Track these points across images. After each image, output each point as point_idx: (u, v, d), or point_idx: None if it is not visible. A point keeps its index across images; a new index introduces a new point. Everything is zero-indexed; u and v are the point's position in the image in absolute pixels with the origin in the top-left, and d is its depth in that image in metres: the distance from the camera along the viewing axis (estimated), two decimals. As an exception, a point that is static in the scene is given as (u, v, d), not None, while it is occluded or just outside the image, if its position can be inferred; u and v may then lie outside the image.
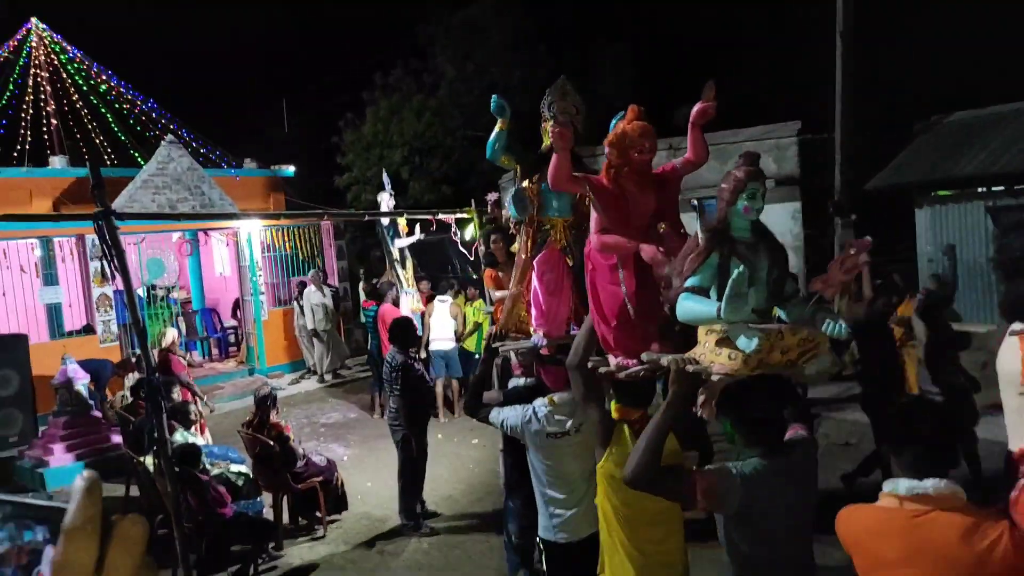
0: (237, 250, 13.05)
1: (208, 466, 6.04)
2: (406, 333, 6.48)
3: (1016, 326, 2.39)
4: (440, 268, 13.24)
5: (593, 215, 2.92)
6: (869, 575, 2.22)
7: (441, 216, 8.58)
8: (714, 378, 2.45)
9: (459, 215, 8.26)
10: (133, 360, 9.52)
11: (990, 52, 14.23)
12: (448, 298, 9.59)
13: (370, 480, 7.49)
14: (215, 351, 14.04)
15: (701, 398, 2.52)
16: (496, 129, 3.62)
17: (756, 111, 13.61)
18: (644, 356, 2.76)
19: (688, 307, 2.44)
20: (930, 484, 2.12)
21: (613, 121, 3.20)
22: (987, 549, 2.01)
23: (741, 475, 2.39)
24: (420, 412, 6.33)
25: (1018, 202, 9.93)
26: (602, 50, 18.82)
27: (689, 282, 2.46)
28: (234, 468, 6.45)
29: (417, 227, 10.17)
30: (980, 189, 10.16)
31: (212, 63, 23.97)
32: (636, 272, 2.82)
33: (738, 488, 2.37)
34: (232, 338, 14.22)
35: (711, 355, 2.45)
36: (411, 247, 10.41)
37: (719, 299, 2.31)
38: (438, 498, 6.80)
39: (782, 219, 12.35)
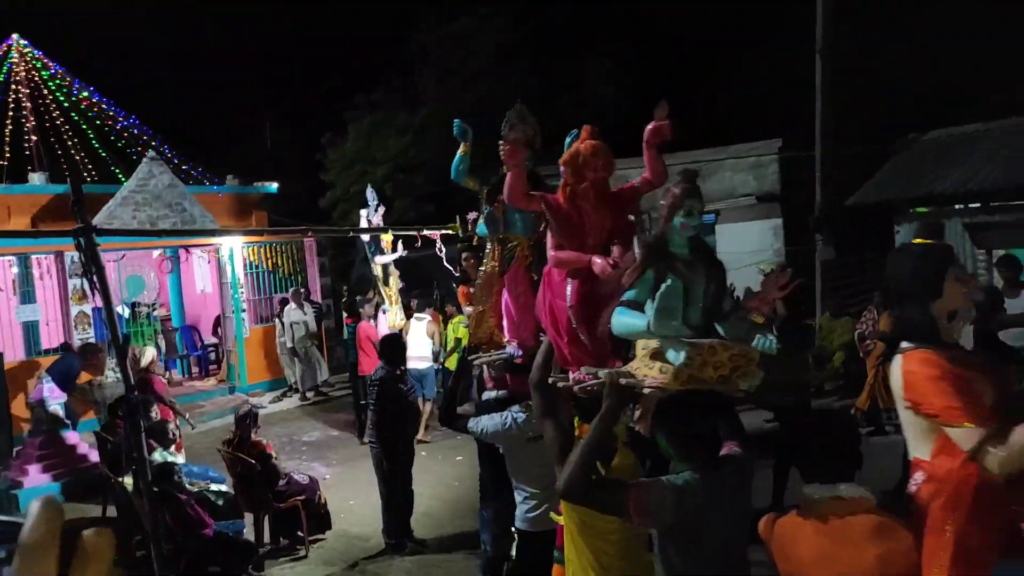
0: (219, 267, 12.95)
1: (187, 485, 5.95)
2: (392, 349, 6.51)
3: (904, 345, 2.49)
4: (424, 285, 13.21)
5: (550, 232, 2.97)
6: None
7: (426, 232, 8.56)
8: (646, 391, 2.49)
9: (445, 231, 8.25)
10: (100, 344, 9.31)
11: (965, 72, 14.52)
12: (425, 316, 9.52)
13: (353, 499, 7.41)
14: (195, 369, 13.89)
15: (638, 412, 2.57)
16: (459, 152, 3.73)
17: (740, 129, 13.78)
18: (583, 370, 2.79)
19: (622, 321, 2.50)
20: (842, 488, 2.31)
21: (568, 140, 3.24)
22: (889, 551, 2.21)
23: (674, 489, 2.41)
24: (397, 429, 6.29)
25: (994, 219, 10.09)
26: (594, 63, 18.97)
27: (625, 296, 2.51)
28: (214, 487, 6.36)
29: (399, 243, 10.14)
30: (957, 206, 10.32)
31: (195, 79, 23.90)
32: (584, 286, 2.85)
33: (671, 502, 2.40)
34: (212, 356, 14.08)
35: (644, 369, 2.50)
36: (397, 263, 10.36)
37: None
38: (420, 515, 6.73)
39: (763, 235, 12.49)
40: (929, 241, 2.60)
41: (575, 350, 2.98)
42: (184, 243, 12.73)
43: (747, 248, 12.24)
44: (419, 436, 9.26)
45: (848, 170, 11.72)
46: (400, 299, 10.40)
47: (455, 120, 3.71)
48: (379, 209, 10.46)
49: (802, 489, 2.42)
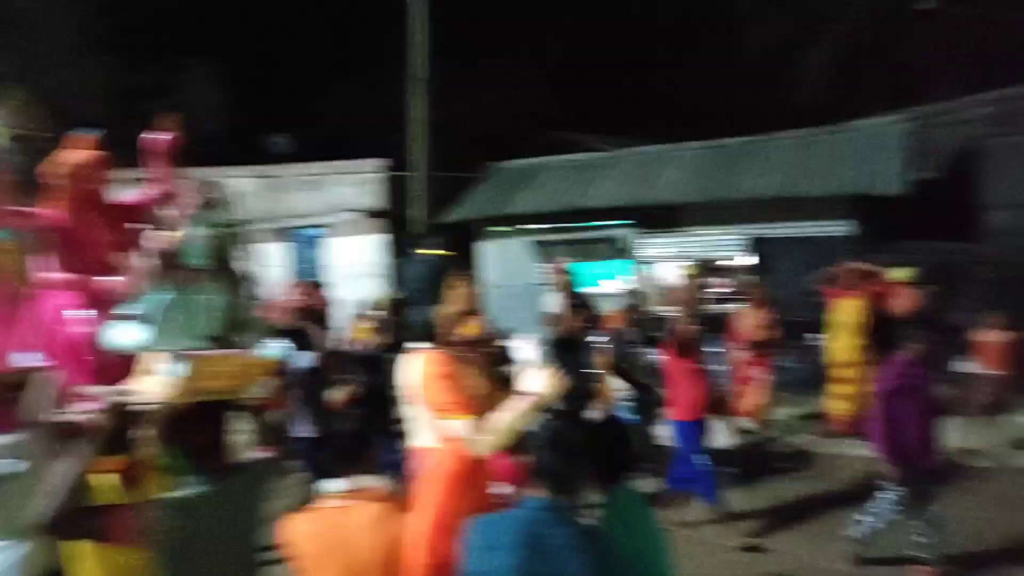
0: None
1: None
2: None
3: (413, 345, 2.78)
4: None
5: (45, 251, 2.67)
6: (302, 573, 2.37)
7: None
8: (152, 407, 2.39)
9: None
10: None
11: (539, 112, 17.06)
12: None
13: None
14: None
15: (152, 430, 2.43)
16: None
17: (349, 147, 14.11)
18: (93, 392, 2.57)
19: (117, 335, 2.39)
20: (350, 481, 2.34)
21: (63, 149, 2.94)
22: (386, 537, 2.31)
23: (174, 504, 2.34)
24: None
25: (559, 237, 11.94)
26: (189, 68, 17.68)
27: (123, 309, 2.41)
28: None
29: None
30: (530, 226, 12.00)
31: None
32: (97, 307, 2.63)
33: (168, 517, 2.32)
34: None
35: (149, 384, 2.41)
36: None
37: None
38: None
39: (369, 250, 12.99)
40: (430, 251, 2.87)
41: (87, 377, 2.67)
42: None
43: (357, 261, 12.60)
44: None
45: (451, 190, 12.82)
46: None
47: None
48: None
49: (316, 485, 2.50)
